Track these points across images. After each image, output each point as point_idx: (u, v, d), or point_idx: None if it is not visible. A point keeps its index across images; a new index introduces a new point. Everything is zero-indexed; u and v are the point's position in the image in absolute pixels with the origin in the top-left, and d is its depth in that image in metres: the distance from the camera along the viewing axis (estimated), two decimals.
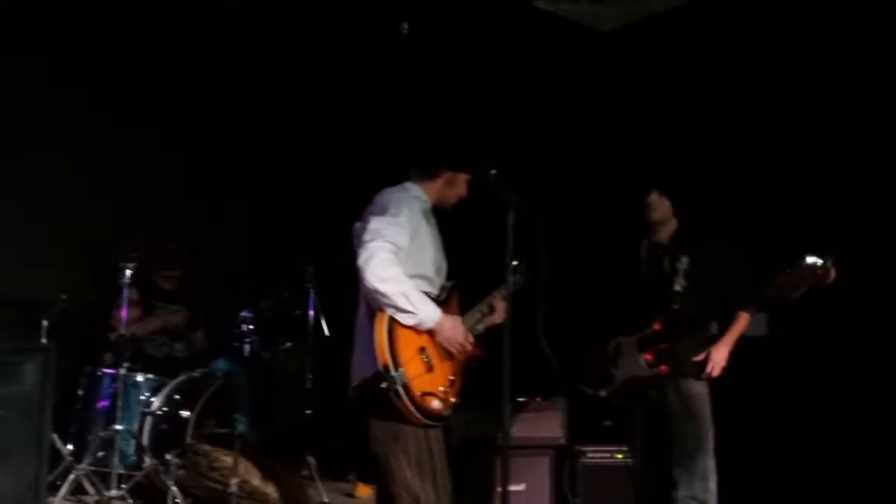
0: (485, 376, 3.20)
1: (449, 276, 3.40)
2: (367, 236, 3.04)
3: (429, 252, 3.22)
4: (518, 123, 5.43)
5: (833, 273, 3.45)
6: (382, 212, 3.11)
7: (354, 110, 5.59)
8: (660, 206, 3.99)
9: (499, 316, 3.38)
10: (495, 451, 3.10)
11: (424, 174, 3.34)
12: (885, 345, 4.36)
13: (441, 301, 3.22)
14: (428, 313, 3.06)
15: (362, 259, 3.00)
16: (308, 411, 4.77)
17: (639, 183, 4.10)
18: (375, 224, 3.06)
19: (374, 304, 3.05)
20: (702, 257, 3.89)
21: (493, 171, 3.12)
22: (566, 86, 5.50)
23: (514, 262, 3.26)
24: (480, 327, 3.42)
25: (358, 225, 3.19)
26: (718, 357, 3.87)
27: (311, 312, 4.94)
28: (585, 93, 5.52)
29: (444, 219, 3.48)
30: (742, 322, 3.94)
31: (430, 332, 3.09)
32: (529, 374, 3.37)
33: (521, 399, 4.65)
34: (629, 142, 5.35)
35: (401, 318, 3.01)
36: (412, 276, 3.10)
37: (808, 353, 4.60)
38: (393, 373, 2.93)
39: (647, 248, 4.05)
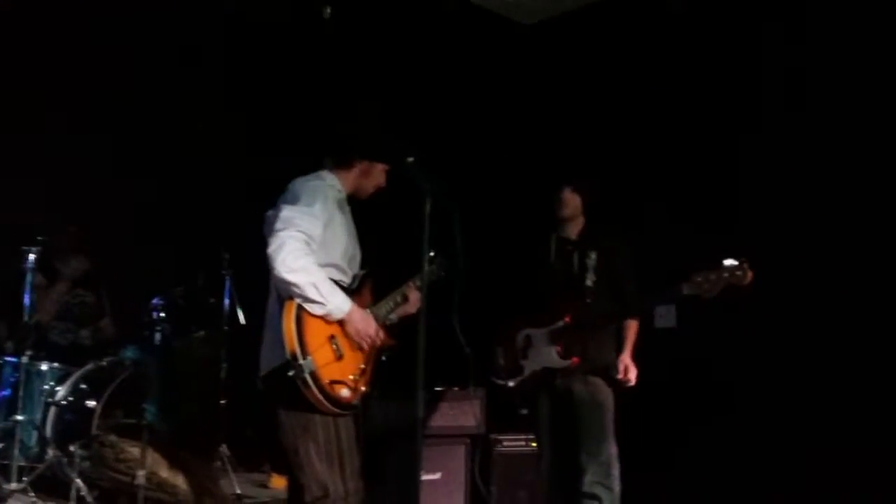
0: (402, 366, 3.21)
1: (363, 266, 3.38)
2: (278, 225, 3.00)
3: (341, 241, 3.20)
4: (436, 114, 5.38)
5: (750, 275, 3.50)
6: (295, 200, 3.08)
7: (273, 94, 5.47)
8: (571, 203, 4.05)
9: (412, 306, 3.37)
10: (411, 440, 3.01)
11: (339, 163, 3.32)
12: (799, 335, 4.42)
13: (352, 290, 3.21)
14: (337, 304, 3.05)
15: (273, 248, 2.97)
16: (222, 401, 4.69)
17: (551, 178, 4.13)
18: (288, 213, 3.02)
19: (284, 293, 3.02)
20: (607, 254, 3.99)
21: (411, 159, 3.11)
22: (485, 77, 5.46)
23: (431, 253, 3.26)
24: (393, 317, 3.40)
25: (270, 213, 3.14)
26: (630, 364, 3.95)
27: (227, 300, 4.86)
28: (504, 85, 5.49)
29: (360, 207, 3.44)
30: (632, 330, 4.01)
31: (341, 322, 3.08)
32: (447, 363, 3.40)
33: (438, 389, 4.64)
34: (544, 136, 5.36)
35: (310, 307, 2.99)
36: (324, 266, 3.08)
37: (717, 346, 4.64)
38: (301, 361, 2.91)
39: (555, 243, 4.10)
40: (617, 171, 4.88)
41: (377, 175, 3.36)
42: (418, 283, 3.32)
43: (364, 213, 3.44)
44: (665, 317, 4.79)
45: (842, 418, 4.23)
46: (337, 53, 5.32)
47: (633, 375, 3.96)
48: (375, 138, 3.40)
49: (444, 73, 5.37)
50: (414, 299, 3.36)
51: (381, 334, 3.23)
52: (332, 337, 3.06)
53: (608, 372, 3.95)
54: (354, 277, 3.27)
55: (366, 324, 3.12)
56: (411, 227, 3.09)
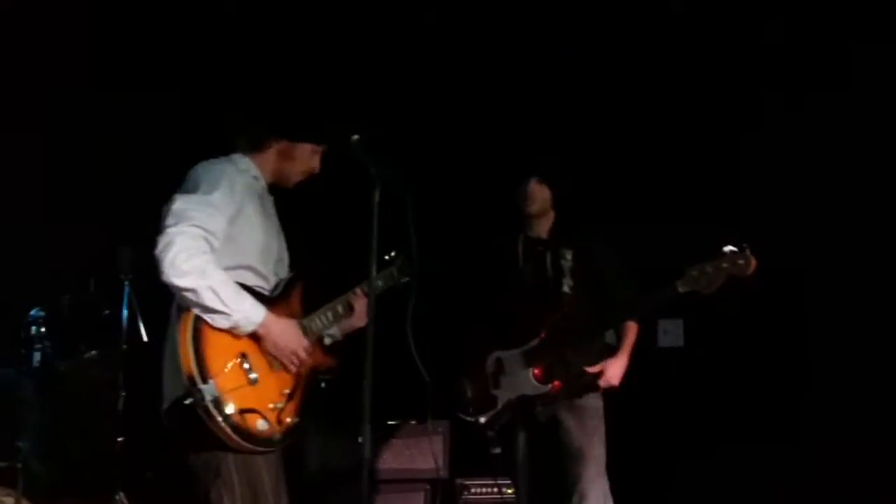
0: (346, 393, 2.81)
1: (293, 268, 2.97)
2: (168, 220, 2.62)
3: (256, 237, 2.79)
4: (389, 91, 4.75)
5: (753, 263, 3.15)
6: (194, 188, 2.70)
7: (182, 65, 4.74)
8: (539, 196, 3.55)
9: (359, 318, 2.94)
10: (357, 485, 2.63)
11: (253, 144, 2.90)
12: (819, 352, 4.19)
13: (273, 298, 2.79)
14: (245, 313, 2.63)
15: (159, 247, 2.58)
16: (119, 438, 4.06)
17: (513, 170, 3.65)
18: (180, 205, 2.64)
19: (181, 303, 2.63)
20: (585, 253, 3.53)
21: (355, 137, 2.70)
22: (436, 50, 4.80)
23: (392, 254, 3.01)
24: (334, 332, 2.99)
25: (165, 207, 2.72)
26: (612, 373, 3.47)
27: (125, 311, 4.21)
28: (459, 62, 4.81)
29: (291, 197, 3.00)
30: (631, 333, 3.55)
31: (255, 337, 2.68)
32: (402, 391, 3.08)
33: (391, 423, 4.14)
34: (503, 122, 4.66)
35: (210, 319, 2.60)
36: (231, 269, 2.68)
37: (729, 366, 4.29)
38: (200, 385, 2.52)
39: (524, 245, 3.61)
40: (598, 163, 4.44)
41: (305, 157, 2.92)
42: (367, 289, 2.90)
43: (295, 203, 3.01)
44: (670, 333, 4.33)
45: (871, 442, 3.98)
46: (252, 16, 4.64)
47: (613, 376, 3.44)
48: (295, 112, 2.97)
49: (390, 42, 4.72)
50: (362, 310, 2.94)
51: (315, 352, 2.81)
52: (242, 355, 2.65)
53: (595, 386, 3.47)
54: (278, 283, 2.85)
55: (288, 337, 2.71)
56: (357, 220, 2.73)
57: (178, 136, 4.55)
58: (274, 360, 2.69)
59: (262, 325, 2.64)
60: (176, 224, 2.58)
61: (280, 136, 2.86)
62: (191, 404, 2.51)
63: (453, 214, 4.47)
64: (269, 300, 2.74)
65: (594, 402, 3.50)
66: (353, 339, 2.97)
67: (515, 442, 3.48)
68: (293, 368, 2.71)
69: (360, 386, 2.57)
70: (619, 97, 4.58)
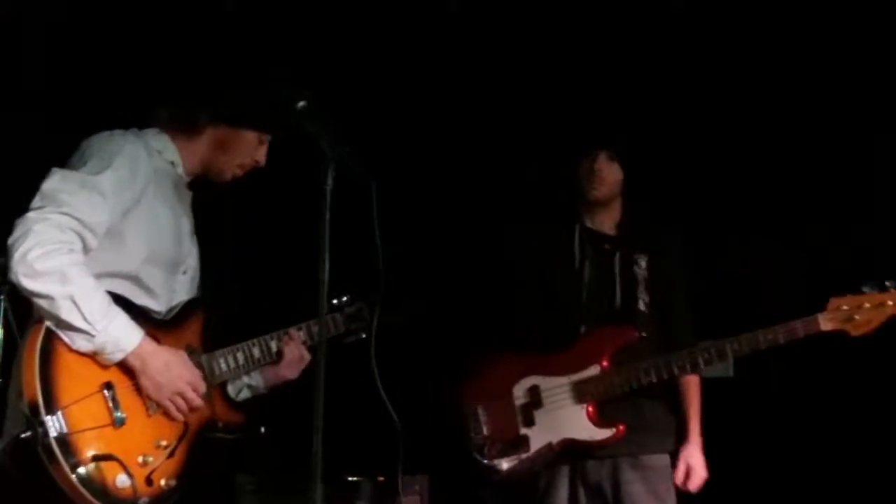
0: (295, 440, 2.25)
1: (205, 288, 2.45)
2: (35, 201, 2.13)
3: (153, 239, 2.28)
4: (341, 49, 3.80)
5: None
6: (83, 162, 2.21)
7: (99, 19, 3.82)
8: (609, 177, 2.81)
9: (289, 368, 2.45)
10: None
11: (178, 124, 2.37)
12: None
13: (162, 322, 2.29)
14: (113, 336, 2.12)
15: (13, 235, 2.09)
16: None
17: (564, 140, 2.92)
18: (54, 182, 2.14)
19: (36, 312, 2.15)
20: (661, 262, 2.81)
21: (302, 104, 2.13)
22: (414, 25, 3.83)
23: (343, 298, 2.54)
24: (256, 382, 2.47)
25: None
26: (697, 464, 2.81)
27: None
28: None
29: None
30: (693, 391, 2.85)
31: (127, 368, 2.18)
32: (368, 438, 2.56)
33: (353, 479, 3.28)
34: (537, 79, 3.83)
35: (67, 338, 2.11)
36: (108, 275, 2.19)
37: (786, 401, 3.68)
38: (44, 416, 2.04)
39: (582, 238, 2.84)
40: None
41: (248, 148, 2.39)
42: (301, 332, 2.45)
43: (218, 197, 2.46)
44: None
45: None
46: None
47: (697, 480, 2.80)
48: (242, 91, 2.39)
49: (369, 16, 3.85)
50: (294, 357, 2.44)
51: (214, 401, 2.29)
52: (107, 386, 2.15)
53: (668, 448, 2.81)
54: (174, 307, 2.34)
55: (173, 373, 2.19)
56: (300, 218, 2.22)
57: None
58: (151, 401, 2.19)
59: (135, 353, 2.13)
60: (41, 208, 2.09)
61: (219, 122, 2.34)
62: (29, 440, 2.03)
63: (439, 209, 3.71)
64: (156, 324, 2.25)
65: (663, 461, 2.81)
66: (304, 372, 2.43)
67: (553, 500, 2.74)
68: (176, 414, 2.20)
69: (310, 431, 2.01)
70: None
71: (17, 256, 2.04)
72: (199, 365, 2.28)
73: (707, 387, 3.29)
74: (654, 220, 2.92)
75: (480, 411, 2.75)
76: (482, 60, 3.82)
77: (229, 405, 2.36)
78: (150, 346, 2.17)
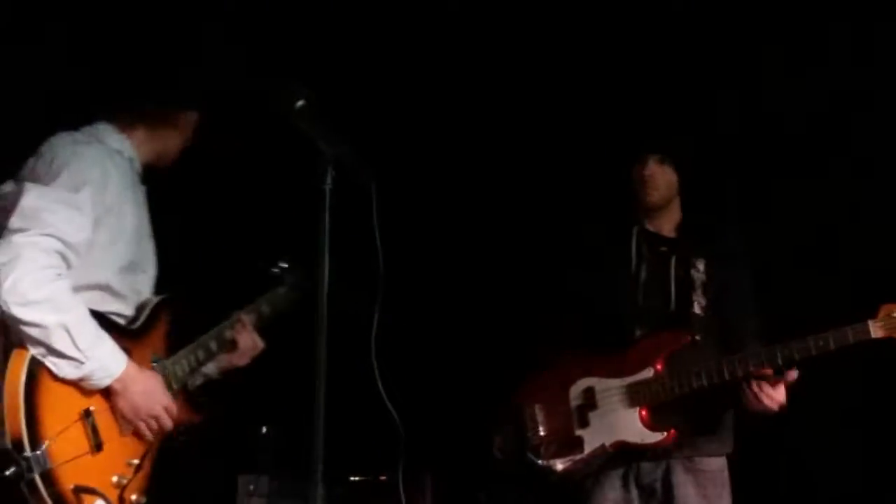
0: (296, 439, 2.19)
1: (162, 287, 2.39)
2: (15, 222, 2.07)
3: (121, 246, 2.26)
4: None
5: None
6: (54, 175, 2.14)
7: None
8: (662, 180, 2.79)
9: (242, 356, 2.44)
10: None
11: (129, 115, 2.33)
12: None
13: (132, 331, 2.28)
14: (102, 362, 2.11)
15: (1, 260, 2.03)
16: None
17: (609, 144, 2.92)
18: (34, 200, 2.09)
19: (16, 338, 2.07)
20: (721, 265, 2.76)
21: (301, 103, 2.09)
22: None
23: (282, 265, 2.52)
24: (209, 370, 2.46)
25: (8, 189, 2.18)
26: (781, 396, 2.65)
27: None
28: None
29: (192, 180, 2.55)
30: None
31: (106, 391, 2.16)
32: (370, 435, 2.43)
33: (354, 478, 3.28)
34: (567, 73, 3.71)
35: (53, 366, 2.07)
36: (83, 288, 2.16)
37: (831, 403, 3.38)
38: (28, 452, 2.01)
39: (640, 240, 2.83)
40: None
41: (190, 129, 2.39)
42: (252, 315, 2.43)
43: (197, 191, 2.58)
44: None
45: None
46: None
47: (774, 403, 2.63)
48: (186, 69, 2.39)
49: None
50: (248, 345, 2.44)
51: (174, 410, 2.26)
52: (86, 413, 2.12)
53: (724, 451, 2.75)
54: (140, 308, 2.31)
55: (152, 398, 2.19)
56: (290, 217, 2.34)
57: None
58: (125, 421, 2.19)
59: (119, 379, 2.13)
60: (25, 230, 2.04)
61: (167, 104, 2.31)
62: (11, 477, 1.98)
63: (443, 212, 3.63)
64: (125, 333, 2.23)
65: (718, 464, 2.76)
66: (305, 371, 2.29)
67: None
68: (148, 435, 2.22)
69: (311, 430, 1.99)
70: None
71: (6, 285, 2.00)
72: (163, 371, 2.27)
73: None
74: (720, 221, 2.87)
75: (538, 412, 2.77)
76: (481, 59, 3.72)
77: (189, 406, 2.36)
78: (132, 370, 2.16)
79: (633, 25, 3.63)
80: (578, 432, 2.73)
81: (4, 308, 2.01)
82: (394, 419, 2.14)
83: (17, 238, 2.03)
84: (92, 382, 2.10)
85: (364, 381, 2.17)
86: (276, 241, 2.39)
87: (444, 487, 3.14)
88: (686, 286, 2.74)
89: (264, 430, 2.40)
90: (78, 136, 2.23)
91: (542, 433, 2.74)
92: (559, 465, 2.71)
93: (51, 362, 2.05)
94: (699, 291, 2.72)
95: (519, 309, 2.96)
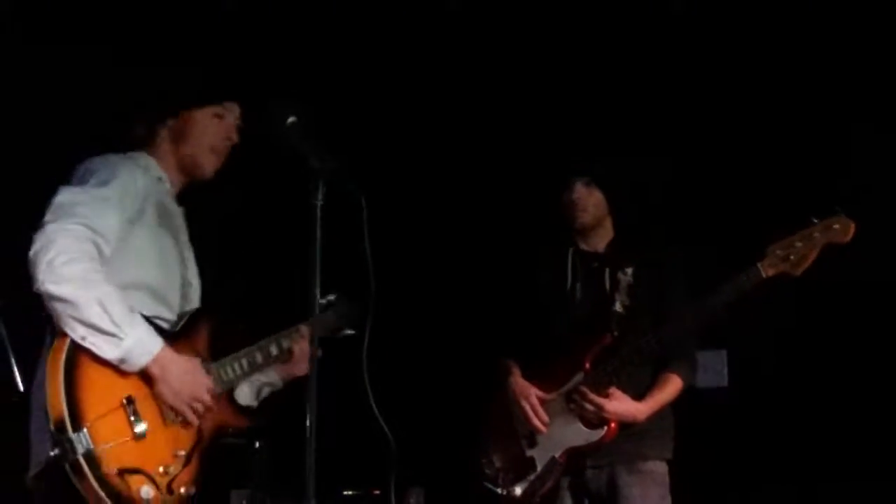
0: (290, 454, 2.22)
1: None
2: (48, 216, 2.17)
3: (155, 252, 2.32)
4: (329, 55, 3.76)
5: (851, 226, 2.64)
6: (84, 179, 2.25)
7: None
8: (590, 202, 2.87)
9: (298, 365, 2.44)
10: None
11: (142, 137, 2.39)
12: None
13: (172, 334, 2.30)
14: (140, 340, 2.15)
15: (35, 247, 2.11)
16: None
17: (541, 170, 2.99)
18: (65, 196, 2.19)
19: (58, 325, 2.14)
20: (649, 268, 2.86)
21: (291, 119, 2.15)
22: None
23: (330, 297, 2.54)
24: (273, 380, 2.49)
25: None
26: (613, 407, 2.73)
27: None
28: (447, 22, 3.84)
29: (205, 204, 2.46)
30: (670, 386, 2.82)
31: (146, 378, 2.19)
32: (363, 450, 2.44)
33: (347, 493, 3.33)
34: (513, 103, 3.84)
35: (93, 346, 2.11)
36: (125, 286, 2.21)
37: (783, 410, 3.57)
38: (70, 434, 2.07)
39: (575, 260, 2.92)
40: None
41: (207, 128, 2.38)
42: (311, 329, 2.34)
43: (210, 212, 2.50)
44: (711, 372, 3.58)
45: None
46: None
47: (613, 409, 2.72)
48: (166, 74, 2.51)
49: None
50: (303, 353, 2.42)
51: (222, 406, 2.32)
52: (128, 400, 2.17)
53: (665, 456, 2.83)
54: (181, 316, 2.35)
55: (190, 379, 2.22)
56: (293, 233, 2.14)
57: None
58: (169, 410, 2.21)
59: (157, 359, 2.15)
60: (57, 220, 2.13)
61: (163, 118, 2.35)
62: (56, 458, 2.05)
63: (433, 224, 3.68)
64: (166, 335, 2.24)
65: (660, 468, 2.83)
66: (296, 385, 2.43)
67: None
68: (193, 419, 2.23)
69: (303, 444, 2.02)
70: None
71: (42, 265, 2.06)
72: (208, 370, 2.29)
73: (702, 396, 3.27)
74: (651, 235, 2.94)
75: (490, 445, 2.83)
76: (481, 63, 3.80)
77: (236, 410, 2.38)
78: (168, 353, 2.18)
79: (584, 38, 3.75)
80: (529, 453, 2.79)
81: (42, 288, 2.07)
82: (385, 433, 2.17)
83: (49, 226, 2.10)
84: (131, 362, 2.11)
85: (356, 395, 2.21)
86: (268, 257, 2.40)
87: (437, 502, 3.14)
88: (613, 289, 2.82)
89: (257, 444, 2.40)
90: (111, 154, 2.31)
91: (496, 464, 2.81)
92: (518, 490, 2.75)
93: (90, 343, 2.08)
94: (623, 292, 2.79)
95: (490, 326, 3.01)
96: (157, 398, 2.18)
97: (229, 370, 2.33)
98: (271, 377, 2.48)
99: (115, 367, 2.13)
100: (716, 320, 2.76)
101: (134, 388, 2.16)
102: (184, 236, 2.42)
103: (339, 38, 3.71)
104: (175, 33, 3.42)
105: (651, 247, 2.90)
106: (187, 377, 2.19)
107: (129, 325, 2.12)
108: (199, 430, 2.25)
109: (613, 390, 2.72)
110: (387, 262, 2.20)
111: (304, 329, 2.41)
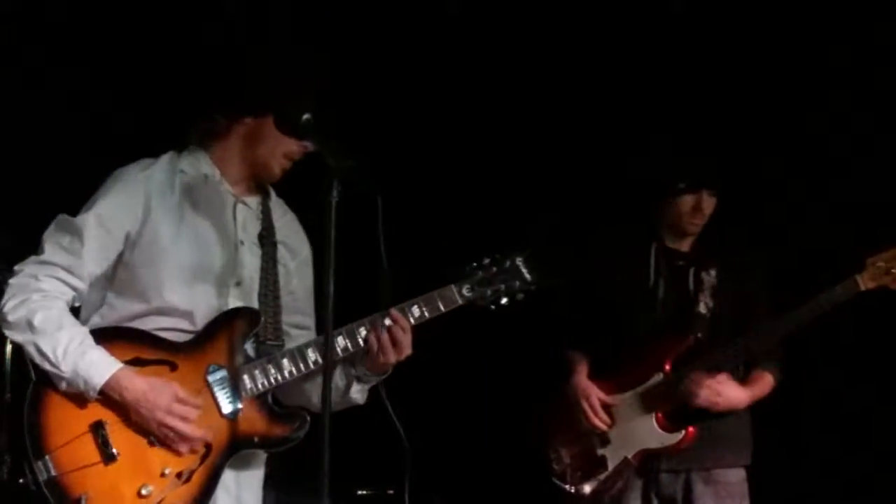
0: (306, 454, 2.16)
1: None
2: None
3: (178, 260, 2.23)
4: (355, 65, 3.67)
5: None
6: (92, 202, 2.27)
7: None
8: (709, 211, 2.83)
9: (385, 351, 2.20)
10: None
11: (207, 132, 2.34)
12: None
13: (182, 345, 2.22)
14: (83, 373, 2.11)
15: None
16: None
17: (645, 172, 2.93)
18: (48, 230, 2.24)
19: None
20: (734, 271, 2.82)
21: (307, 116, 2.14)
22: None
23: (486, 260, 2.30)
24: (360, 373, 2.25)
25: None
26: (725, 390, 2.70)
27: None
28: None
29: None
30: (762, 385, 2.79)
31: (117, 405, 2.15)
32: (380, 450, 2.36)
33: (362, 492, 3.30)
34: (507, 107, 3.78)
35: (54, 381, 2.15)
36: (140, 315, 2.21)
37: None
38: (33, 462, 2.11)
39: (658, 256, 2.86)
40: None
41: (273, 138, 2.26)
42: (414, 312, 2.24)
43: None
44: None
45: None
46: None
47: (724, 395, 2.69)
48: (252, 78, 2.35)
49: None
50: (405, 340, 2.21)
51: (250, 417, 2.20)
52: (96, 426, 2.15)
53: (743, 462, 2.78)
54: (213, 322, 2.25)
55: (154, 398, 2.12)
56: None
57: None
58: (145, 432, 2.15)
59: (109, 387, 2.11)
60: (27, 261, 2.21)
61: (238, 117, 2.28)
62: (25, 485, 2.09)
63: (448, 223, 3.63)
64: (174, 348, 2.20)
65: (737, 476, 2.79)
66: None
67: None
68: (172, 437, 2.13)
69: (317, 443, 1.99)
70: None
71: (2, 311, 2.16)
72: (219, 383, 2.19)
73: None
74: (734, 233, 2.91)
75: (559, 439, 2.80)
76: (483, 63, 3.78)
77: (271, 417, 2.22)
78: (124, 378, 2.12)
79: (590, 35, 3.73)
80: (600, 451, 2.75)
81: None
82: (399, 433, 2.14)
83: (17, 268, 2.20)
84: (84, 391, 2.11)
85: (370, 394, 2.22)
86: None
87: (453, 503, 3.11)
88: (697, 290, 2.78)
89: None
90: (142, 160, 2.29)
91: (566, 460, 2.77)
92: (587, 488, 2.73)
93: (50, 377, 2.12)
94: (707, 293, 2.75)
95: (531, 322, 2.87)
96: (128, 422, 2.14)
97: (257, 375, 2.20)
98: (360, 370, 2.25)
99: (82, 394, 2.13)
100: (796, 329, 2.70)
101: (105, 413, 2.14)
102: (237, 230, 2.27)
103: (340, 38, 3.71)
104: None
105: (733, 248, 2.87)
106: (147, 403, 2.11)
107: (70, 361, 2.09)
108: (207, 445, 2.16)
109: (722, 376, 2.68)
110: (405, 256, 2.18)
111: (381, 318, 2.20)
